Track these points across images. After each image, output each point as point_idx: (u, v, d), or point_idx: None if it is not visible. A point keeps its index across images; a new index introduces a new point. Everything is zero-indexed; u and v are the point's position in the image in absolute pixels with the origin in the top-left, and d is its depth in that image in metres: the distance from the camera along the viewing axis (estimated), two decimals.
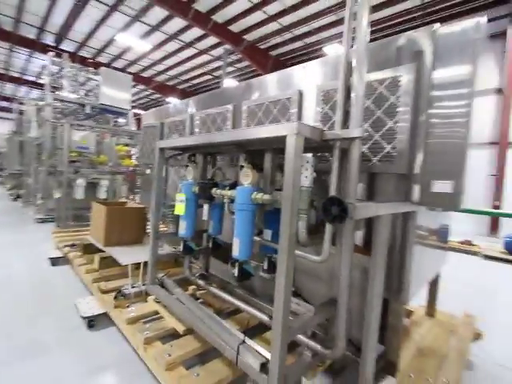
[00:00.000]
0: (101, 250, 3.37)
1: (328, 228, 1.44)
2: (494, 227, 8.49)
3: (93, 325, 2.42)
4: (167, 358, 1.69)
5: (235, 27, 11.53)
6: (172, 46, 13.37)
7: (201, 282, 2.36)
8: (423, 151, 1.59)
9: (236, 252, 1.67)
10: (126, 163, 5.94)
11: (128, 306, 2.38)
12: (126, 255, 2.96)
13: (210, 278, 2.51)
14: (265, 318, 1.86)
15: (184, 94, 19.31)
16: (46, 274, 3.54)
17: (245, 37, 12.00)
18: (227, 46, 12.64)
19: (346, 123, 1.56)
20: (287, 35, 11.69)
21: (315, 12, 10.12)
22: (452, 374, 1.72)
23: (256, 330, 2.06)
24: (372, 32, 10.66)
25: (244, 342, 1.52)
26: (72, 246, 3.83)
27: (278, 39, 12.00)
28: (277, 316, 1.27)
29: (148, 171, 4.26)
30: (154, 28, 11.77)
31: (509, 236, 5.84)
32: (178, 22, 11.27)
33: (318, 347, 1.50)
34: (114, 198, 5.84)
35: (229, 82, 13.71)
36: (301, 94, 2.18)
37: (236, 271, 1.70)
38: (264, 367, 1.37)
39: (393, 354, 1.76)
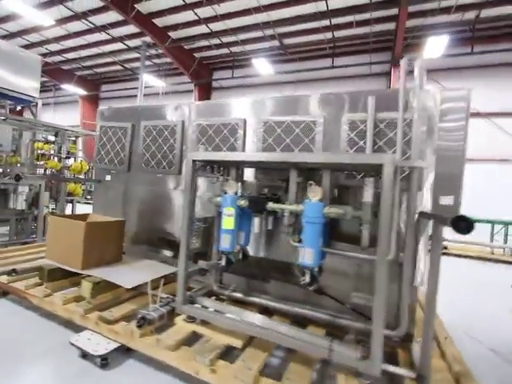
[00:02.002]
0: (70, 275, 2.82)
1: (393, 234, 1.82)
2: None
3: (106, 363, 2.07)
4: (250, 372, 1.71)
5: (160, 21, 10.86)
6: (76, 25, 11.42)
7: (237, 294, 2.36)
8: (434, 173, 2.18)
9: (310, 260, 1.85)
10: (50, 165, 4.86)
11: (152, 333, 2.15)
12: (123, 277, 2.59)
13: (234, 290, 2.52)
14: (326, 317, 2.10)
15: (83, 82, 16.64)
16: None
17: (170, 33, 11.42)
18: (147, 39, 11.73)
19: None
20: (214, 41, 11.79)
21: (244, 25, 10.63)
22: (441, 333, 2.39)
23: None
24: (291, 53, 11.97)
25: (332, 340, 1.73)
26: (11, 272, 2.98)
27: (204, 42, 11.93)
28: (377, 312, 1.56)
29: (108, 178, 3.70)
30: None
31: None
32: (92, 1, 9.74)
33: (386, 331, 1.87)
34: (34, 209, 4.69)
35: (146, 78, 12.69)
36: (325, 120, 2.50)
37: (308, 278, 1.89)
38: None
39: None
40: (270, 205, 2.04)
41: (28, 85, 6.22)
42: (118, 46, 12.91)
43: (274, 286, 2.68)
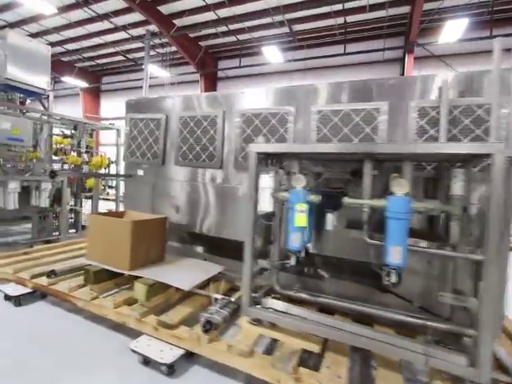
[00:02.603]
0: (114, 276, 2.68)
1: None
2: None
3: (173, 371, 1.95)
4: (341, 381, 1.60)
5: (165, 9, 10.45)
6: (78, 14, 10.98)
7: (303, 295, 2.23)
8: None
9: (397, 259, 1.72)
10: (70, 161, 4.66)
11: (217, 337, 2.03)
12: (174, 277, 2.46)
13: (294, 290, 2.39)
14: (401, 317, 1.98)
15: (84, 74, 16.18)
16: (22, 319, 2.53)
17: (175, 21, 11.02)
18: (151, 28, 11.32)
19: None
20: (220, 28, 11.38)
21: (252, 11, 10.24)
22: None
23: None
24: (300, 40, 11.61)
25: (429, 344, 1.61)
26: (50, 274, 2.83)
27: (210, 30, 11.51)
28: (486, 316, 1.44)
29: (140, 173, 3.52)
30: None
31: None
32: None
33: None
34: (58, 206, 4.52)
35: (150, 68, 12.31)
36: (390, 107, 2.33)
37: (394, 278, 1.76)
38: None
39: None
40: (347, 200, 1.89)
41: (38, 76, 5.97)
42: (121, 35, 12.48)
43: (327, 284, 2.56)
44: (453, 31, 8.53)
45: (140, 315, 2.22)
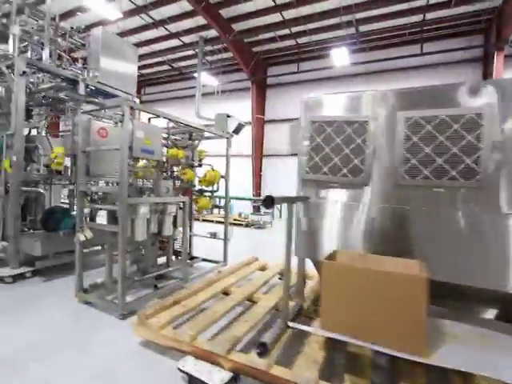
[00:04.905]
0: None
1: None
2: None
3: None
4: None
5: (225, 12, 9.87)
6: (132, 21, 10.55)
7: None
8: None
9: None
10: (188, 176, 3.83)
11: None
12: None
13: None
14: None
15: None
16: None
17: (233, 25, 10.43)
18: (203, 34, 10.74)
19: None
20: (280, 32, 10.69)
21: (320, 11, 9.54)
22: None
23: None
24: (363, 42, 10.80)
25: None
26: (261, 351, 1.92)
27: (268, 34, 10.84)
28: None
29: (325, 193, 2.63)
30: None
31: None
32: None
33: None
34: (170, 234, 3.66)
35: (204, 77, 11.71)
36: None
37: None
38: None
39: None
40: None
41: (126, 81, 5.35)
42: (171, 43, 12.01)
43: None
44: None
45: None
